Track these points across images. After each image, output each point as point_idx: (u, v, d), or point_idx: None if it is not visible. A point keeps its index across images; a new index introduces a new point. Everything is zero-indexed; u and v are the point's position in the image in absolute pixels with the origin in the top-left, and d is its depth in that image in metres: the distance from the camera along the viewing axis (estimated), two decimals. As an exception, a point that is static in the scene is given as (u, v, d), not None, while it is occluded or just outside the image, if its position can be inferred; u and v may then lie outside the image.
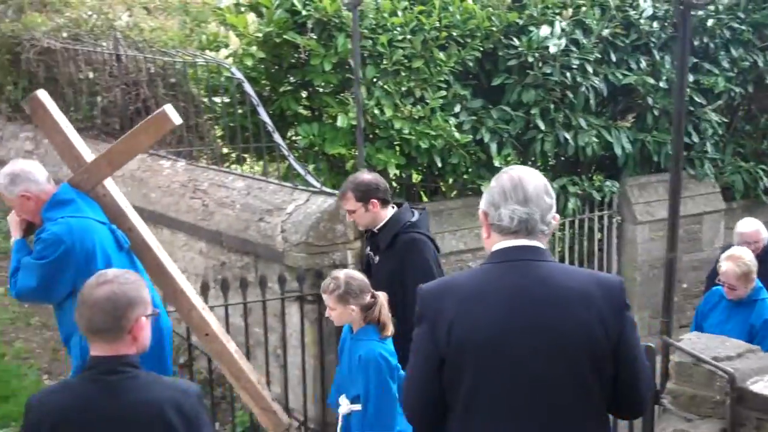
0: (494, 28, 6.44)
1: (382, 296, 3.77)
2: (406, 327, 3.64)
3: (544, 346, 2.20)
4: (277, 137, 5.18)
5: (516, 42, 6.44)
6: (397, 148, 6.29)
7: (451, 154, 6.24)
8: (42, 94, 4.09)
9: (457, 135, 6.12)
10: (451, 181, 6.84)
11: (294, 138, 6.32)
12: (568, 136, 6.65)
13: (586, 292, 2.23)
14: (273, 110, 5.94)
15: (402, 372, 4.07)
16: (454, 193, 6.92)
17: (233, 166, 6.48)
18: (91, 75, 7.17)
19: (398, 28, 6.10)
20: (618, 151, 6.89)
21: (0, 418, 4.86)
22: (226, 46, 6.42)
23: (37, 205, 3.93)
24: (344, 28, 5.95)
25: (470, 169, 6.53)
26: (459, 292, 2.27)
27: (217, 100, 6.37)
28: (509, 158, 6.35)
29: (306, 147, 6.18)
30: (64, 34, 7.64)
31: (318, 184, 4.83)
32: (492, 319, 2.22)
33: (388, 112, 5.97)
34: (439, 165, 6.27)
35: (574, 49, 6.57)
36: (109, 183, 4.10)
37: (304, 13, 5.87)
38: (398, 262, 4.21)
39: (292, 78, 6.41)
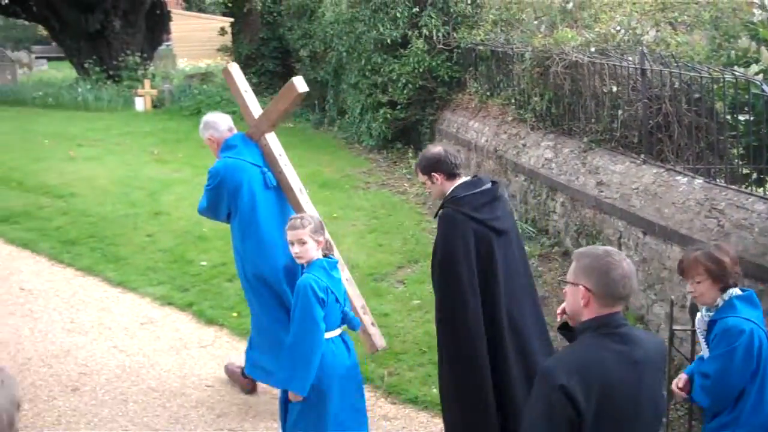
0: None
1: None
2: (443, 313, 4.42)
3: None
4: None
5: None
6: None
7: None
8: (232, 67, 5.88)
9: None
10: None
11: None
12: None
13: None
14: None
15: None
16: None
17: (753, 187, 6.46)
18: (614, 89, 7.71)
19: None
20: None
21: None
22: (757, 61, 6.43)
23: (218, 147, 5.53)
24: None
25: None
26: None
27: (742, 117, 6.41)
28: None
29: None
30: (592, 49, 8.31)
31: None
32: None
33: None
34: None
35: None
36: (271, 137, 5.59)
37: None
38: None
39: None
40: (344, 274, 5.17)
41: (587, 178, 7.88)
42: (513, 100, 10.39)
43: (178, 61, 28.99)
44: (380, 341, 5.51)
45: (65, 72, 28.37)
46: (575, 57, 8.42)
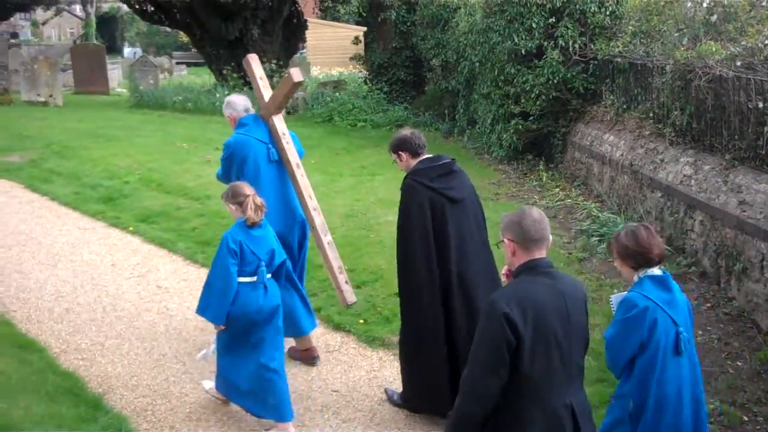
0: None
1: (251, 197, 5.44)
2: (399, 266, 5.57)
3: None
4: None
5: None
6: None
7: None
8: (251, 57, 6.86)
9: None
10: None
11: None
12: None
13: None
14: None
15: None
16: None
17: None
18: (760, 105, 7.42)
19: None
20: None
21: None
22: None
23: (234, 123, 6.58)
24: None
25: None
26: None
27: None
28: None
29: None
30: (738, 63, 8.02)
31: None
32: None
33: None
34: None
35: None
36: (277, 118, 6.54)
37: None
38: None
39: None
40: (326, 238, 6.46)
41: (728, 196, 7.62)
42: (651, 114, 10.15)
43: (311, 68, 29.69)
44: (351, 297, 6.49)
45: (203, 77, 29.59)
46: (719, 71, 8.16)
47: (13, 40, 45.42)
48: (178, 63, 42.18)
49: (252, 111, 6.69)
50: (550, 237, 3.69)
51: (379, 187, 12.31)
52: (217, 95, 21.42)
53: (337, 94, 20.56)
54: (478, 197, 5.67)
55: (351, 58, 23.20)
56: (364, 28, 21.85)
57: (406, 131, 5.65)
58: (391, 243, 9.52)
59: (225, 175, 6.56)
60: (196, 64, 43.31)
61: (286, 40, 23.92)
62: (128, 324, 7.32)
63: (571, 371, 3.58)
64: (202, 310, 5.46)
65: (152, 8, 23.56)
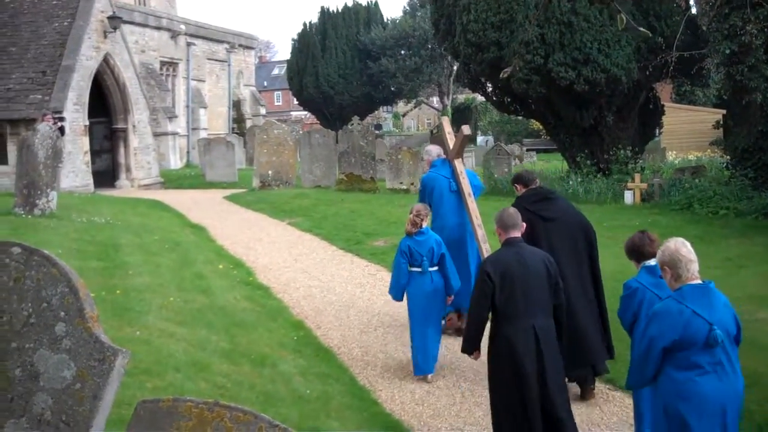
0: None
1: (409, 217, 8.28)
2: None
3: None
4: None
5: None
6: None
7: None
8: (444, 119, 10.12)
9: None
10: None
11: None
12: None
13: None
14: None
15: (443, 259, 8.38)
16: None
17: None
18: None
19: None
20: None
21: None
22: None
23: (428, 165, 9.82)
24: None
25: None
26: None
27: None
28: None
29: None
30: None
31: None
32: None
33: None
34: None
35: None
36: (458, 162, 9.48)
37: None
38: None
39: None
40: (485, 245, 8.85)
41: None
42: None
43: (666, 153, 28.91)
44: None
45: (553, 164, 29.98)
46: None
47: (377, 132, 49.67)
48: (528, 150, 43.26)
49: (443, 156, 9.69)
50: (522, 224, 6.06)
51: (749, 281, 11.51)
52: (570, 182, 21.56)
53: (697, 180, 19.74)
54: (581, 220, 7.51)
55: (711, 143, 22.30)
56: (724, 111, 20.92)
57: (522, 171, 8.50)
58: (765, 342, 8.87)
59: (421, 199, 9.57)
60: (545, 151, 44.18)
61: (641, 125, 23.60)
62: (486, 411, 7.44)
63: (530, 304, 5.76)
64: (390, 289, 8.56)
65: (509, 99, 24.51)
